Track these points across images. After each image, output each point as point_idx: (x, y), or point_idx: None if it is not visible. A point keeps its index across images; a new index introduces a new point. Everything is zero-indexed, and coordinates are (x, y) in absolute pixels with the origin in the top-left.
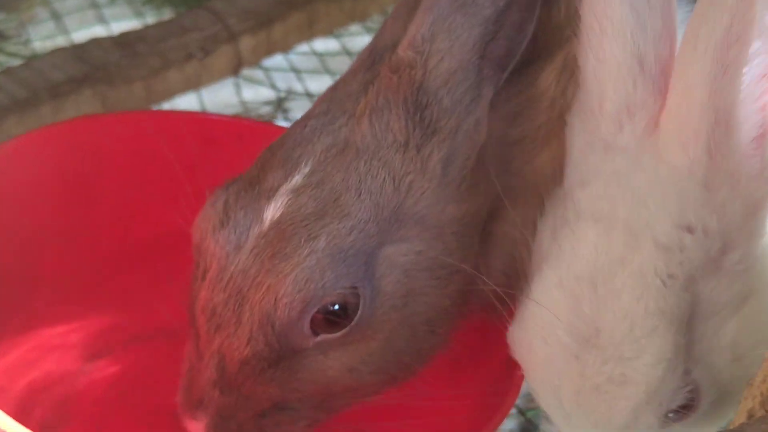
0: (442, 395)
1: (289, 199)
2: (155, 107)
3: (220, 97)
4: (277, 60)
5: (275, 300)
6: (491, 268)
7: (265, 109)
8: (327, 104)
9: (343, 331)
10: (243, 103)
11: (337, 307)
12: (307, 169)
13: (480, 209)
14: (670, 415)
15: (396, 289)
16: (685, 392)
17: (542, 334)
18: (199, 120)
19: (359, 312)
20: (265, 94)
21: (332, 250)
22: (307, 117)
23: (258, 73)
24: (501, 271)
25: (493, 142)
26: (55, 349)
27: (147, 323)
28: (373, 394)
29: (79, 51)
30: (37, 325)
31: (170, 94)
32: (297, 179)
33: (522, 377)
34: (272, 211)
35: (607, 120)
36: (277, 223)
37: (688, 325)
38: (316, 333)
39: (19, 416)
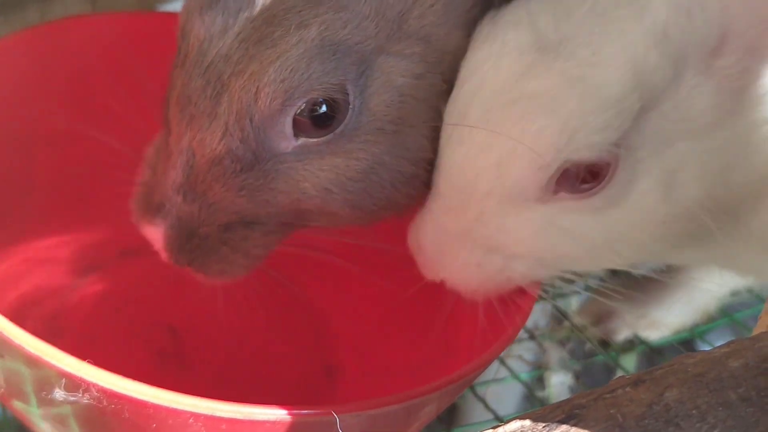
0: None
1: None
2: (147, 7)
3: None
4: None
5: (257, 89)
6: None
7: None
8: None
9: (326, 137)
10: None
11: (324, 108)
12: None
13: None
14: (577, 170)
15: (388, 111)
16: (604, 153)
17: None
18: None
19: (345, 119)
20: None
21: (323, 42)
22: None
23: None
24: None
25: None
26: (46, 263)
27: (138, 237)
28: (337, 223)
29: None
30: (28, 237)
31: None
32: None
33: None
34: None
35: None
36: (268, 8)
37: (649, 104)
38: (297, 135)
39: None
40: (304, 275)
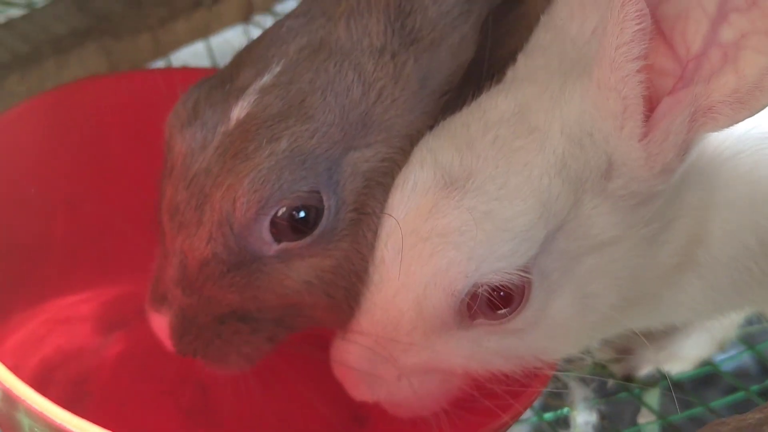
0: None
1: (256, 99)
2: (162, 59)
3: (229, 45)
4: (290, 5)
5: (233, 200)
6: None
7: None
8: (308, 5)
9: (306, 240)
10: None
11: (302, 214)
12: (277, 69)
13: None
14: (490, 297)
15: (357, 198)
16: (514, 277)
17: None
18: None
19: (323, 221)
20: None
21: (293, 153)
22: (286, 17)
23: (270, 20)
24: None
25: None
26: (68, 323)
27: None
28: (330, 322)
29: (81, 1)
30: (49, 298)
31: (178, 44)
32: (266, 78)
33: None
34: (239, 110)
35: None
36: (242, 123)
37: (554, 228)
38: (278, 240)
39: None
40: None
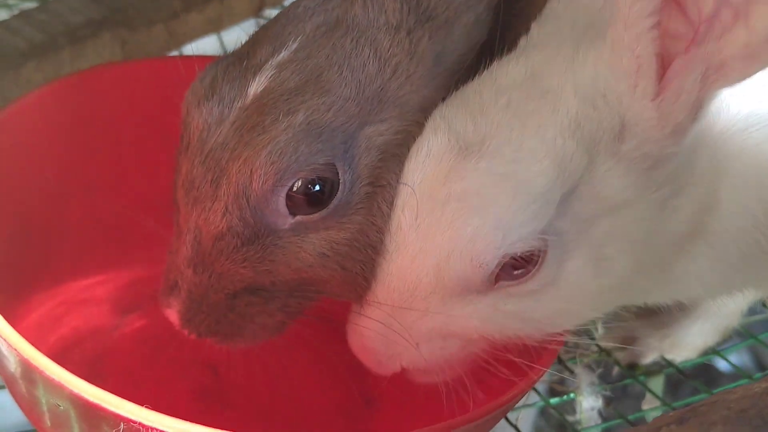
0: None
1: (273, 74)
2: (176, 51)
3: (241, 39)
4: None
5: (250, 172)
6: None
7: None
8: None
9: (321, 213)
10: None
11: (318, 187)
12: (294, 45)
13: None
14: (513, 260)
15: (371, 172)
16: (535, 241)
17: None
18: None
19: (338, 194)
20: None
21: (309, 126)
22: None
23: None
24: None
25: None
26: (84, 304)
27: None
28: (342, 293)
29: None
30: (65, 280)
31: (191, 37)
32: (283, 55)
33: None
34: (256, 85)
35: None
36: (259, 97)
37: (569, 190)
38: (293, 213)
39: None
40: (339, 307)
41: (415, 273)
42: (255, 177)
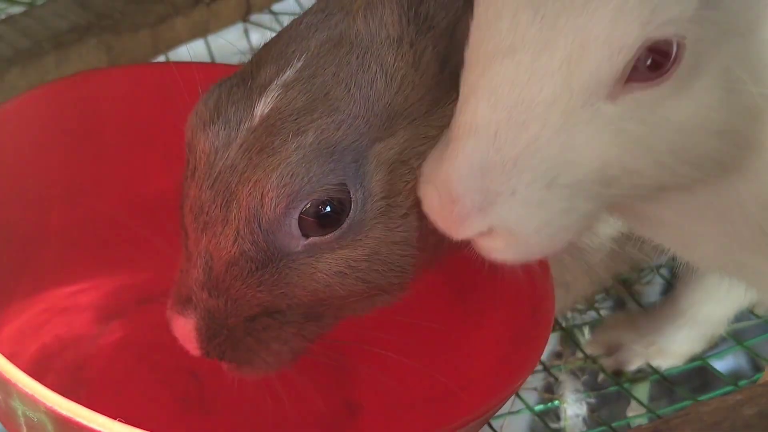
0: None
1: (279, 94)
2: (162, 56)
3: (228, 44)
4: (287, 4)
5: (261, 195)
6: None
7: None
8: (325, 1)
9: (334, 233)
10: (253, 49)
11: (329, 208)
12: (299, 64)
13: None
14: (649, 51)
15: (384, 186)
16: (680, 30)
17: None
18: (206, 70)
19: (351, 214)
20: None
21: (320, 146)
22: (304, 14)
23: (267, 18)
24: None
25: None
26: (65, 312)
27: (158, 282)
28: (362, 308)
29: None
30: (46, 287)
31: (177, 41)
32: (289, 74)
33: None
34: (262, 106)
35: None
36: (266, 118)
37: None
38: (306, 235)
39: None
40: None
41: (539, 74)
42: (266, 200)
